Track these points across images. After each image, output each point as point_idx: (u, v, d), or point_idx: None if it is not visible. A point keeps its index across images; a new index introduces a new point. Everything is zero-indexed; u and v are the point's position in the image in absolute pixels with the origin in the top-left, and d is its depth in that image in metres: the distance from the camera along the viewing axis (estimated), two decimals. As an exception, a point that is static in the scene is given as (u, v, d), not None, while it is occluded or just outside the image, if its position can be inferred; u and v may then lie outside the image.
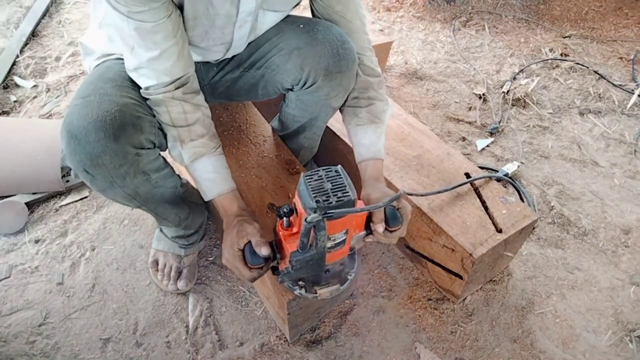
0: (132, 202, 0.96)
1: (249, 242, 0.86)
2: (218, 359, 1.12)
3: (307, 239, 0.76)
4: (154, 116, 0.91)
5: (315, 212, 0.72)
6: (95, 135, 0.81)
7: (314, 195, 0.73)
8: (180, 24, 0.85)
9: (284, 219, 0.81)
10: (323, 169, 0.77)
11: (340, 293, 0.92)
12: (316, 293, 0.89)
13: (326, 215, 0.71)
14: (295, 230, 0.82)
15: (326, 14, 1.02)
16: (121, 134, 0.83)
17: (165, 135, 0.94)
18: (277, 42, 1.02)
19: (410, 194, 0.85)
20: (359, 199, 0.85)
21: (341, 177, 0.76)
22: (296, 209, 0.79)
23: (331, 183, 0.75)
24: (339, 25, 1.02)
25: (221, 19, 0.90)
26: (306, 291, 0.89)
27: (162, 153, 0.98)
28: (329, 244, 0.80)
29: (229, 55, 1.05)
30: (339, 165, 0.79)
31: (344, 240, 0.82)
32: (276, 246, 0.86)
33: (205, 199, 0.96)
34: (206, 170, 0.94)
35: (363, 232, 0.89)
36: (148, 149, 0.90)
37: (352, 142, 1.07)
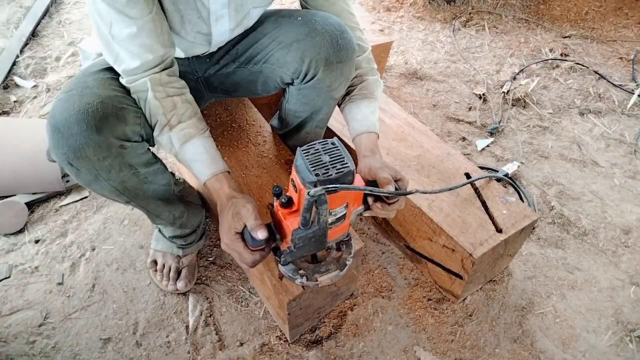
0: (121, 197, 0.95)
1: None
2: (218, 359, 1.12)
3: (309, 215, 0.73)
4: (139, 107, 0.91)
5: (315, 185, 0.69)
6: (78, 128, 0.81)
7: (313, 168, 0.71)
8: (155, 1, 0.85)
9: (282, 198, 0.78)
10: (319, 142, 0.75)
11: (340, 278, 0.91)
12: (317, 281, 0.87)
13: (328, 189, 0.69)
14: (294, 208, 0.79)
15: (311, 0, 1.03)
16: (103, 125, 0.82)
17: (152, 127, 0.93)
18: (275, 36, 1.02)
19: (424, 192, 0.84)
20: (356, 172, 0.83)
21: (338, 149, 0.75)
22: (295, 186, 0.76)
23: (329, 155, 0.73)
24: (323, 8, 1.03)
25: (198, 6, 0.90)
26: (307, 279, 0.87)
27: (152, 149, 0.98)
28: (330, 219, 0.78)
29: (213, 49, 1.05)
30: (335, 138, 0.77)
31: (344, 214, 0.81)
32: (275, 227, 0.83)
33: (200, 182, 0.94)
34: (197, 152, 0.91)
35: (362, 207, 0.87)
36: (134, 141, 0.89)
37: (347, 120, 1.07)
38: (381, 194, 0.83)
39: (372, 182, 0.88)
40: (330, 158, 0.73)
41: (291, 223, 0.77)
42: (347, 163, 0.73)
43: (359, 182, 0.82)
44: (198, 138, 0.92)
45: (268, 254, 0.86)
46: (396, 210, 0.88)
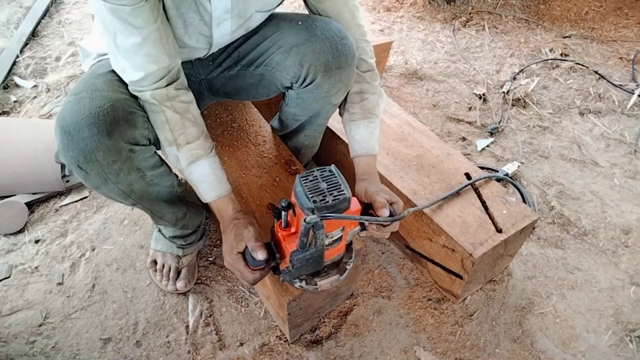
0: (127, 200, 0.96)
1: None
2: (218, 359, 1.12)
3: (306, 239, 0.77)
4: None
5: (313, 212, 0.73)
6: (88, 131, 0.80)
7: (311, 195, 0.74)
8: (160, 10, 0.84)
9: (282, 216, 0.81)
10: (317, 170, 0.79)
11: (340, 282, 0.94)
12: (316, 285, 0.90)
13: (324, 217, 0.73)
14: (293, 230, 0.83)
15: (315, 10, 1.04)
16: (114, 129, 0.83)
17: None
18: (276, 40, 1.02)
19: (417, 209, 0.90)
20: (353, 194, 0.87)
21: (335, 177, 0.78)
22: (294, 210, 0.80)
23: (326, 182, 0.77)
24: (329, 18, 1.03)
25: (200, 10, 0.90)
26: (307, 283, 0.90)
27: (158, 152, 0.98)
28: (327, 242, 0.82)
29: (212, 51, 1.05)
30: (333, 165, 0.81)
31: (341, 237, 0.84)
32: (275, 247, 0.87)
33: (203, 202, 0.97)
34: (203, 173, 0.94)
35: (358, 228, 0.91)
36: (143, 145, 0.90)
37: (347, 137, 1.08)
38: (375, 222, 0.88)
39: (368, 205, 0.91)
40: (328, 185, 0.77)
41: (290, 245, 0.82)
42: (343, 190, 0.76)
43: (355, 205, 0.86)
44: (205, 159, 0.93)
45: (268, 273, 0.90)
46: (390, 232, 0.92)
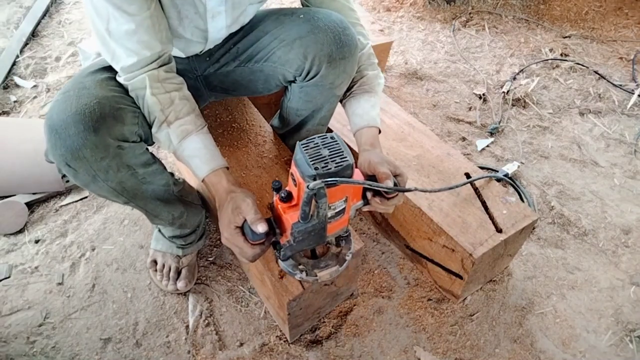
0: (120, 198, 0.95)
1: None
2: (218, 359, 1.12)
3: (308, 208, 0.73)
4: (137, 107, 0.91)
5: (315, 179, 0.70)
6: (75, 129, 0.81)
7: (312, 162, 0.71)
8: None
9: (282, 192, 0.79)
10: (318, 137, 0.76)
11: (340, 273, 0.91)
12: (316, 276, 0.88)
13: (327, 182, 0.70)
14: (294, 202, 0.79)
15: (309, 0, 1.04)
16: (101, 126, 0.82)
17: (150, 126, 0.93)
18: (277, 34, 1.02)
19: (423, 190, 0.85)
20: (356, 167, 0.84)
21: (337, 143, 0.75)
22: (294, 180, 0.76)
23: (328, 149, 0.73)
24: (323, 5, 1.03)
25: (195, 2, 0.91)
26: (307, 275, 0.88)
27: (150, 149, 0.98)
28: (329, 213, 0.79)
29: (209, 46, 1.05)
30: (334, 132, 0.77)
31: (344, 209, 0.81)
32: (275, 221, 0.84)
33: (198, 179, 0.93)
34: (195, 148, 0.91)
35: (361, 202, 0.87)
36: (132, 142, 0.89)
37: (348, 116, 1.08)
38: (380, 189, 0.83)
39: (371, 177, 0.88)
40: (330, 152, 0.73)
41: (291, 217, 0.78)
42: (346, 157, 0.73)
43: (358, 176, 0.82)
44: (196, 134, 0.92)
45: (268, 248, 0.86)
46: (394, 206, 0.89)
